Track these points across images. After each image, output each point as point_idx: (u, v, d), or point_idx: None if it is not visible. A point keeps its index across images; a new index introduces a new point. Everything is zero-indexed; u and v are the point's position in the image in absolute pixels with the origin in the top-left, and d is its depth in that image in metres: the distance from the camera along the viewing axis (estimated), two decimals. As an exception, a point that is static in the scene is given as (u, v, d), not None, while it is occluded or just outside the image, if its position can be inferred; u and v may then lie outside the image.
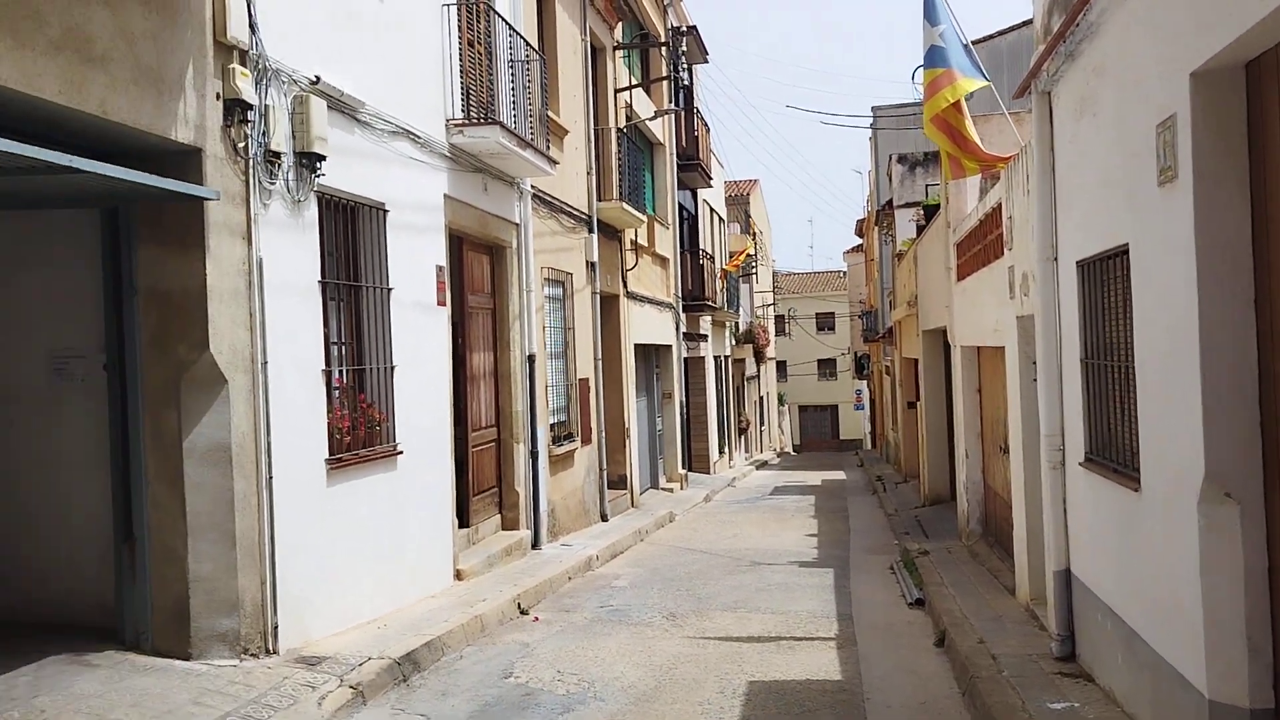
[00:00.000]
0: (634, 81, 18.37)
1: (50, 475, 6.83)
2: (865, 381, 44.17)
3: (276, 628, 6.60)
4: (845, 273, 53.78)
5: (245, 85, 6.45)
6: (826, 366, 57.67)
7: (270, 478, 6.60)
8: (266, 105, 6.73)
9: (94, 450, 6.64)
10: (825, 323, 56.56)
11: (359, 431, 8.00)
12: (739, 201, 36.70)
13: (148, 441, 6.32)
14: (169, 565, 6.31)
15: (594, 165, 15.11)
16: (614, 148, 16.07)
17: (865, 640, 8.00)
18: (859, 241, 41.52)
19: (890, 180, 23.50)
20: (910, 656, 7.54)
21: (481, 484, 10.99)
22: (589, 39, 15.12)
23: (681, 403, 22.18)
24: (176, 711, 5.49)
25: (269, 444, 6.61)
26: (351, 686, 6.20)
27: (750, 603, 9.46)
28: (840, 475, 27.37)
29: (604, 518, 14.81)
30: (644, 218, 17.31)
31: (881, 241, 27.56)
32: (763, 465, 32.67)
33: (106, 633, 6.48)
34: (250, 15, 6.53)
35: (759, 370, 39.14)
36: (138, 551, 6.36)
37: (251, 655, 6.41)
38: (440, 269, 9.55)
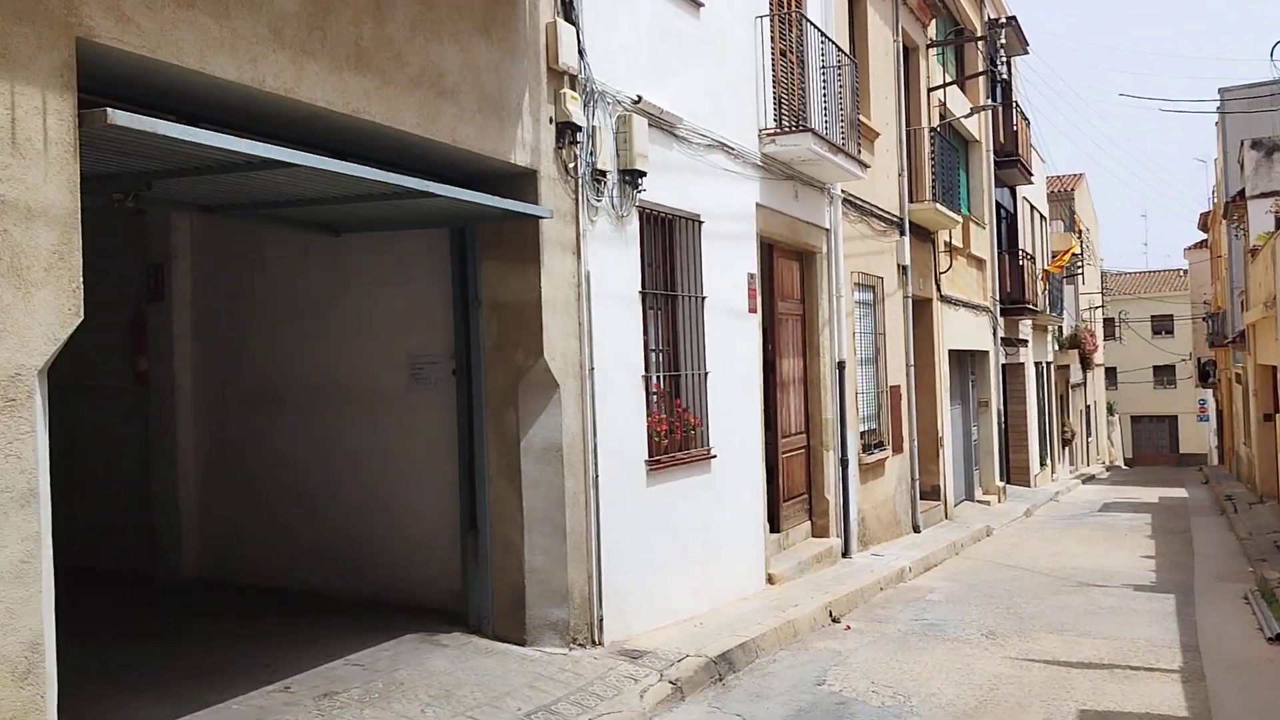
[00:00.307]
0: (948, 79, 17.76)
1: (408, 469, 7.59)
2: (1211, 390, 40.11)
3: (602, 620, 6.96)
4: (1186, 271, 49.04)
5: (575, 108, 6.87)
6: (1163, 373, 52.88)
7: (596, 477, 6.98)
8: (594, 126, 7.14)
9: (444, 447, 7.30)
10: (1162, 326, 51.86)
11: (675, 435, 8.28)
12: (1062, 198, 34.46)
13: (490, 440, 6.87)
14: (507, 556, 6.83)
15: (905, 166, 14.78)
16: (926, 148, 15.63)
17: (1215, 675, 7.28)
18: (1203, 237, 37.80)
19: (1241, 168, 21.18)
20: (1272, 697, 6.79)
21: (791, 490, 11.02)
22: (901, 39, 14.79)
23: (999, 411, 21.15)
24: (514, 693, 5.93)
25: (595, 445, 6.99)
26: (671, 682, 6.43)
27: (1078, 626, 8.87)
28: (1181, 493, 25.02)
29: (916, 529, 14.42)
30: (958, 218, 16.70)
31: (1231, 236, 24.91)
32: (1089, 479, 30.46)
33: (454, 616, 7.10)
34: (579, 42, 6.95)
35: (1085, 377, 36.55)
36: (480, 542, 6.93)
37: (579, 645, 6.80)
38: (751, 276, 9.69)
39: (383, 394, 7.69)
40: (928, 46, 16.55)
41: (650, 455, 7.80)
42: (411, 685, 5.91)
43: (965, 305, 18.53)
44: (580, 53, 6.99)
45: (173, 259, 8.52)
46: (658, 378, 8.25)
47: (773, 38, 10.12)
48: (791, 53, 10.45)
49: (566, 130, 6.88)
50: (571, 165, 6.96)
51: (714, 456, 8.73)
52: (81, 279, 3.90)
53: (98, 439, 8.86)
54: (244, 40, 4.60)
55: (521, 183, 6.64)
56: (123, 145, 4.19)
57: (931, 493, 15.87)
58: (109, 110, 3.77)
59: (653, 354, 8.18)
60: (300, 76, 4.89)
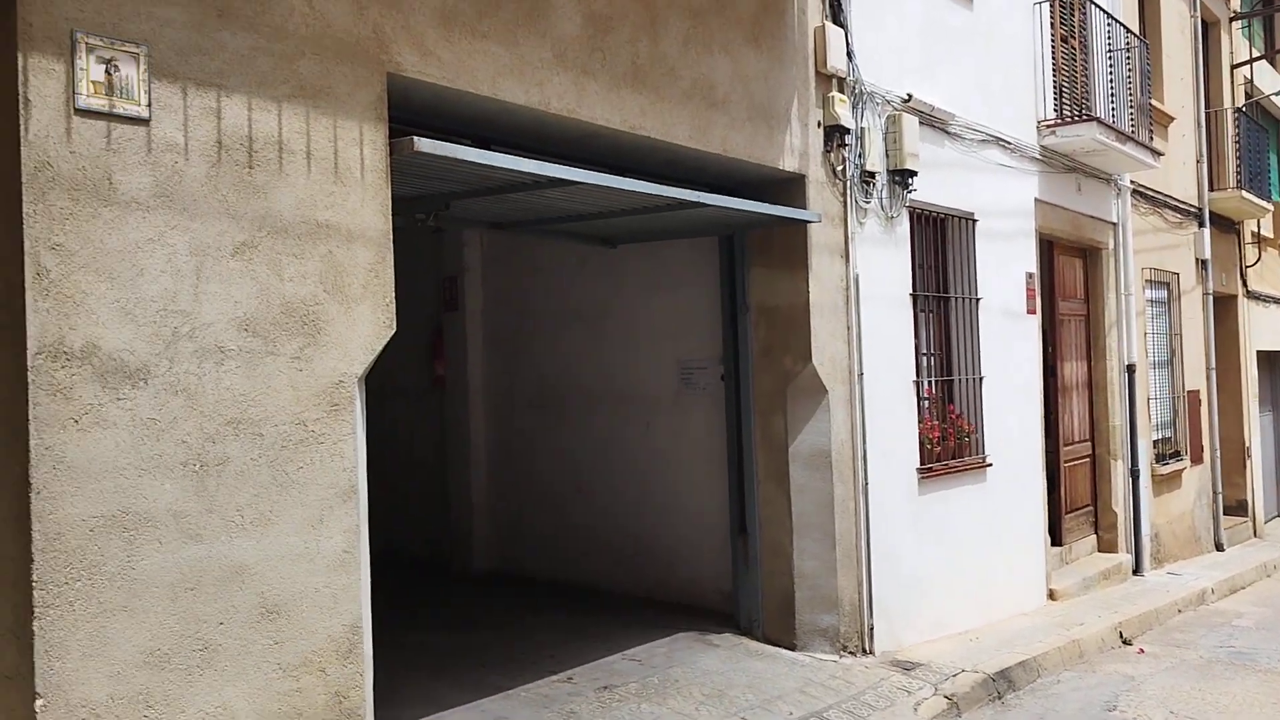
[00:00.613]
0: (1255, 53, 16.20)
1: (679, 472, 7.78)
2: None
3: (872, 629, 6.86)
4: None
5: (843, 111, 6.80)
6: None
7: (866, 483, 6.89)
8: (862, 128, 7.05)
9: (713, 450, 7.43)
10: None
11: (948, 442, 8.03)
12: (1396, 178, 30.51)
13: (758, 444, 6.92)
14: (776, 560, 6.85)
15: (1204, 152, 13.60)
16: (1230, 130, 14.34)
17: None
18: None
19: None
20: None
21: (1074, 501, 10.41)
22: (1199, 14, 13.63)
23: (1318, 419, 19.02)
24: (785, 697, 5.95)
25: (864, 451, 6.90)
26: (946, 696, 6.24)
27: None
28: None
29: (1219, 547, 13.24)
30: (1268, 206, 15.18)
31: None
32: None
33: (724, 617, 7.21)
34: (848, 44, 6.89)
35: None
36: (749, 545, 6.99)
37: (849, 653, 6.72)
38: (1030, 276, 9.23)
39: (655, 397, 7.92)
40: (1231, 20, 15.18)
41: (922, 463, 7.60)
42: (685, 683, 6.06)
43: (1277, 301, 16.84)
44: (848, 55, 6.92)
45: (465, 272, 9.16)
46: (929, 382, 8.02)
47: (1052, 23, 9.61)
48: (1074, 37, 9.87)
49: (834, 133, 6.83)
50: (839, 168, 6.90)
51: (990, 465, 8.38)
52: (393, 293, 4.28)
53: (402, 438, 9.67)
54: (530, 65, 4.89)
55: (790, 188, 6.65)
56: (426, 170, 4.57)
57: (1237, 508, 14.55)
58: (415, 138, 4.13)
59: (924, 358, 7.96)
60: (581, 97, 5.13)
